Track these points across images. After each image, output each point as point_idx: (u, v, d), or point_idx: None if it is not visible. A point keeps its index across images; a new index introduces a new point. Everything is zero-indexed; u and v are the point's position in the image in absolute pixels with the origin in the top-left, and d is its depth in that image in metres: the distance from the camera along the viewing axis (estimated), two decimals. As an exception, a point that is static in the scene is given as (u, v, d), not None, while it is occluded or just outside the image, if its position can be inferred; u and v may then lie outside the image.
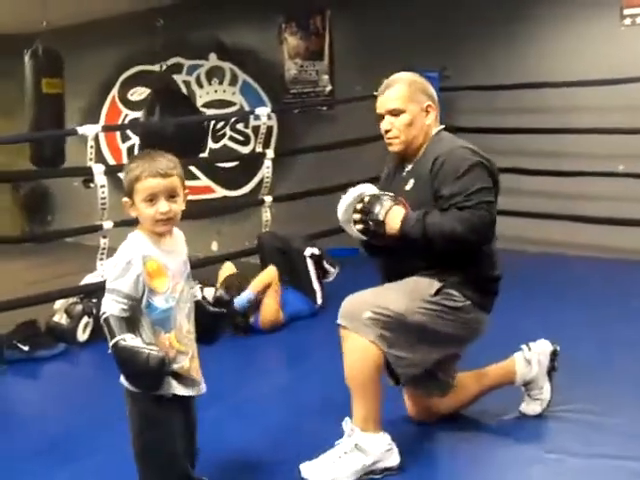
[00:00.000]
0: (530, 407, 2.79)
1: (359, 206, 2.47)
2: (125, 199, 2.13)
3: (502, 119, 5.54)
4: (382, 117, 2.61)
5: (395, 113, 2.57)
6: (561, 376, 2.80)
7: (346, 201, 2.54)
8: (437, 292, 2.45)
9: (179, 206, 2.12)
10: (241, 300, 4.03)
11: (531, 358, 2.77)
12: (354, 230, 2.53)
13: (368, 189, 2.55)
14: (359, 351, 2.36)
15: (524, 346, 2.81)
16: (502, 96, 5.57)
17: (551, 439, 2.69)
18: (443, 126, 2.66)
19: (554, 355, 2.79)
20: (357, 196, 2.52)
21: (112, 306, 2.04)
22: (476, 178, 2.43)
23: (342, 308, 2.42)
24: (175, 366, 2.10)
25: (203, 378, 2.22)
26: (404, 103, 2.57)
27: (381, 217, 2.43)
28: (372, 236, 2.48)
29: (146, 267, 2.06)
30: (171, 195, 2.09)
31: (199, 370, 2.20)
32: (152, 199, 2.07)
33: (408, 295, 2.43)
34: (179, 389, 2.11)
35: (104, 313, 2.05)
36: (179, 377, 2.11)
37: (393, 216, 2.43)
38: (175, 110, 5.55)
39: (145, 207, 2.08)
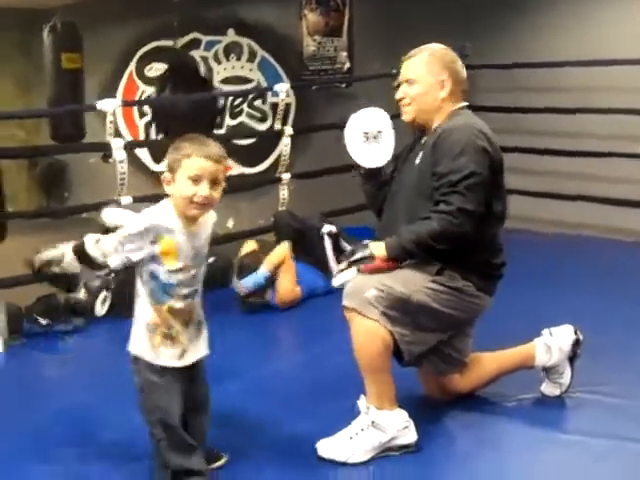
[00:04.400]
0: (549, 389, 2.79)
1: (344, 263, 2.48)
2: (166, 174, 2.14)
3: (522, 98, 5.48)
4: (399, 85, 2.63)
5: (410, 82, 2.58)
6: (582, 357, 2.78)
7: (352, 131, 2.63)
8: (439, 272, 2.46)
9: (217, 195, 2.14)
10: (256, 279, 4.04)
11: (552, 345, 2.74)
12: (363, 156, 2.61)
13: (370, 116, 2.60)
14: (366, 332, 2.38)
15: (546, 331, 2.78)
16: (522, 75, 5.51)
17: (570, 421, 2.70)
18: (466, 104, 2.64)
19: (577, 343, 2.75)
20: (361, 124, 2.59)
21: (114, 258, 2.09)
22: (470, 161, 2.40)
23: (346, 289, 2.43)
24: (166, 339, 2.16)
25: (204, 350, 2.27)
26: (419, 74, 2.57)
27: (368, 253, 2.44)
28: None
29: (160, 244, 2.09)
30: (214, 182, 2.12)
31: (192, 343, 2.23)
32: (196, 179, 2.09)
33: (411, 275, 2.44)
34: (166, 360, 2.16)
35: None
36: (167, 349, 2.16)
37: (377, 248, 2.44)
38: (187, 87, 5.52)
39: (186, 185, 2.09)
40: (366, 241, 2.51)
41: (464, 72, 2.65)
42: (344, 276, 2.44)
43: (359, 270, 2.42)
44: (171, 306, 2.16)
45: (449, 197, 2.39)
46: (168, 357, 2.18)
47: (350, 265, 2.43)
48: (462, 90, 2.63)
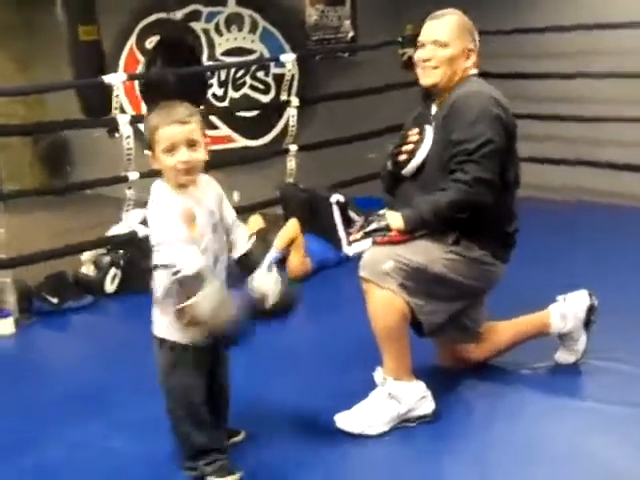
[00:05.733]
0: (564, 356, 2.78)
1: (359, 231, 2.44)
2: (147, 151, 2.11)
3: (527, 64, 5.40)
4: (423, 45, 2.53)
5: (440, 44, 2.49)
6: (596, 323, 2.76)
7: None
8: (455, 242, 2.44)
9: (200, 155, 2.09)
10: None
11: (567, 312, 2.72)
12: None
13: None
14: (383, 303, 2.36)
15: (560, 297, 2.77)
16: (527, 40, 5.42)
17: (585, 388, 2.70)
18: (476, 71, 2.60)
19: (591, 309, 2.74)
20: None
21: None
22: (486, 129, 2.37)
23: (363, 260, 2.41)
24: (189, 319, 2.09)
25: None
26: (451, 37, 2.50)
27: (384, 224, 2.40)
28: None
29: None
30: (191, 144, 2.06)
31: None
32: (172, 149, 2.05)
33: (428, 246, 2.42)
34: (195, 339, 2.12)
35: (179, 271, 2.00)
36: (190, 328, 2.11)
37: (394, 219, 2.41)
38: (173, 60, 5.44)
39: (166, 157, 2.06)
40: (382, 211, 2.48)
41: None
42: (359, 246, 2.41)
43: (374, 242, 2.39)
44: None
45: (465, 166, 2.37)
46: (197, 336, 2.14)
47: (366, 235, 2.41)
48: (478, 60, 2.59)
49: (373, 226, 2.41)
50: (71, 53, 5.30)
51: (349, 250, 2.45)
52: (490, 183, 2.37)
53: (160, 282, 2.13)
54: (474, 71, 2.58)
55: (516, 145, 2.54)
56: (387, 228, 2.39)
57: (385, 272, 2.35)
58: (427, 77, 2.53)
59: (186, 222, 2.05)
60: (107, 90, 4.04)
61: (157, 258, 2.05)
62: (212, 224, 2.15)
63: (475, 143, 2.36)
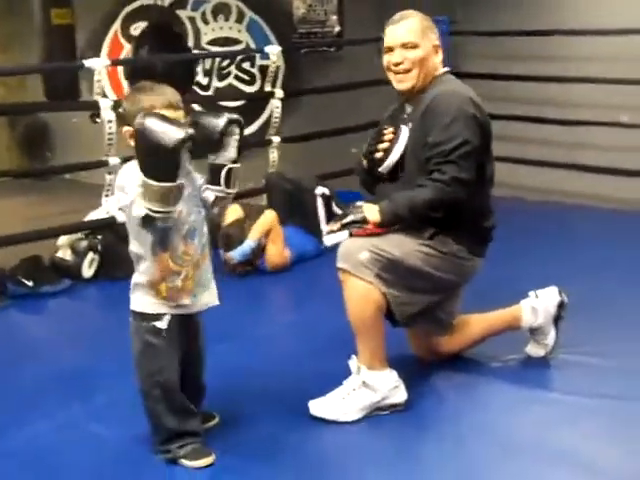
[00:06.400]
0: (534, 350, 2.83)
1: (336, 223, 2.45)
2: (127, 128, 2.11)
3: (510, 66, 5.45)
4: (391, 50, 2.52)
5: (410, 46, 2.48)
6: (565, 319, 2.81)
7: None
8: (431, 237, 2.48)
9: None
10: (243, 250, 4.02)
11: (538, 307, 2.77)
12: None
13: None
14: (359, 294, 2.39)
15: (532, 293, 2.81)
16: (511, 42, 5.47)
17: (554, 380, 2.75)
18: (448, 69, 2.62)
19: (562, 305, 2.79)
20: None
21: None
22: (462, 129, 2.40)
23: (339, 251, 2.44)
24: (169, 284, 2.14)
25: (214, 299, 2.26)
26: (419, 37, 2.49)
27: (360, 217, 2.41)
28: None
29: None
30: None
31: (201, 290, 2.22)
32: None
33: (404, 239, 2.46)
34: (172, 309, 2.16)
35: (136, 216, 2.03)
36: (171, 298, 2.16)
37: (370, 212, 2.43)
38: (161, 46, 5.43)
39: None
40: (359, 202, 2.51)
41: None
42: (335, 237, 2.44)
43: (351, 234, 2.42)
44: (173, 253, 2.14)
45: (443, 167, 2.39)
46: (174, 307, 2.17)
47: (343, 227, 2.43)
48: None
49: (350, 218, 2.43)
50: (43, 36, 5.26)
51: (326, 240, 2.47)
52: (467, 183, 2.40)
53: (139, 262, 2.15)
54: (446, 68, 2.60)
55: (491, 143, 2.57)
56: (364, 220, 2.41)
57: (361, 262, 2.38)
58: (402, 82, 2.53)
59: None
60: (74, 75, 4.00)
61: (134, 210, 2.04)
62: (186, 194, 2.11)
63: (452, 144, 2.38)
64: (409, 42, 2.49)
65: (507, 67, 5.45)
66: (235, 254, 4.03)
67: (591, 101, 5.19)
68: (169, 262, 2.14)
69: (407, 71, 2.50)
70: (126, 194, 2.08)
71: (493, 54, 5.60)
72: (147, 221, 2.02)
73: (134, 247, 2.17)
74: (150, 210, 1.99)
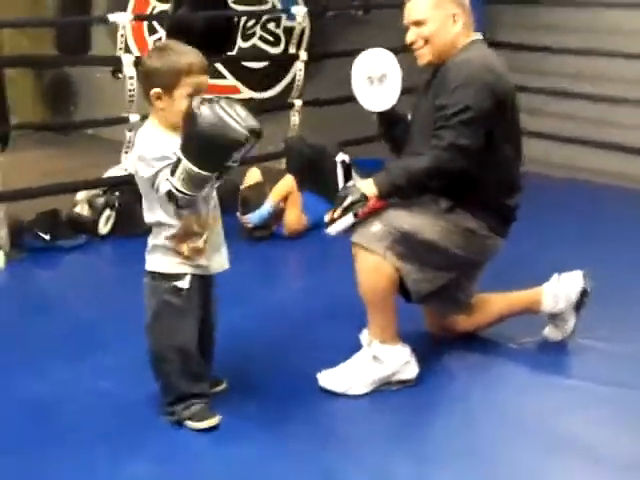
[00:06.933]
0: (552, 333, 2.77)
1: (337, 211, 2.36)
2: (157, 90, 2.05)
3: (542, 37, 5.30)
4: (407, 28, 2.49)
5: (419, 23, 2.44)
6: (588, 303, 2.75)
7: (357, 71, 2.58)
8: (450, 210, 2.41)
9: None
10: (260, 214, 3.99)
11: (559, 293, 2.69)
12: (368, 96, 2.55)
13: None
14: (371, 267, 2.35)
15: (555, 277, 2.73)
16: (547, 13, 5.33)
17: (572, 366, 2.71)
18: (479, 36, 2.54)
19: (584, 292, 2.71)
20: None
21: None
22: (467, 95, 2.33)
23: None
24: (191, 245, 2.12)
25: (226, 263, 2.25)
26: (428, 12, 2.44)
27: (359, 195, 2.33)
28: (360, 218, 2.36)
29: None
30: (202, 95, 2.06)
31: (215, 252, 2.21)
32: (194, 93, 2.03)
33: (419, 211, 2.40)
34: (192, 269, 2.14)
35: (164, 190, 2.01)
36: (193, 260, 2.14)
37: (366, 187, 2.35)
38: (204, 4, 5.34)
39: (184, 101, 2.03)
40: (351, 182, 2.45)
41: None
42: (340, 224, 2.35)
43: (356, 215, 2.34)
44: (197, 215, 2.12)
45: (441, 132, 2.34)
46: (193, 267, 2.15)
47: (344, 211, 2.35)
48: (471, 22, 2.52)
49: (349, 200, 2.34)
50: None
51: (330, 230, 2.37)
52: (465, 149, 2.32)
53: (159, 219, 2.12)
54: (475, 36, 2.52)
55: (517, 117, 2.49)
56: (364, 197, 2.34)
57: (373, 235, 2.33)
58: (419, 59, 2.50)
59: None
60: (86, 30, 3.92)
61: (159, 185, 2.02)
62: None
63: (453, 109, 2.32)
64: (418, 19, 2.45)
65: (539, 39, 5.31)
66: (252, 217, 3.99)
67: (624, 77, 5.05)
68: (193, 225, 2.12)
69: (421, 48, 2.47)
70: (148, 166, 2.03)
71: (527, 24, 5.46)
72: (171, 197, 2.00)
73: (154, 214, 2.13)
74: (177, 190, 1.96)
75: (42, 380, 2.50)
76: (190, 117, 1.93)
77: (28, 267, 3.67)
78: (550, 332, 2.77)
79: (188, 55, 2.08)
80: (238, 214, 4.03)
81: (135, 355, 2.42)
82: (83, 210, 4.08)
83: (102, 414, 2.31)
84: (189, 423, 2.20)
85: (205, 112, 1.91)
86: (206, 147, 1.93)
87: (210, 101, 1.94)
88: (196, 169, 1.94)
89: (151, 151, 2.04)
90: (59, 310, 3.13)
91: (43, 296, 3.40)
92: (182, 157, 1.95)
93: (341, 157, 4.34)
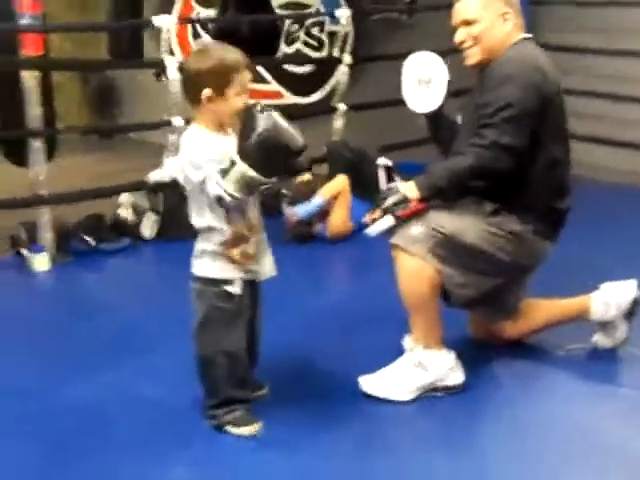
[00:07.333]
0: (602, 341, 2.69)
1: (377, 212, 2.33)
2: (208, 91, 2.04)
3: (589, 39, 5.20)
4: (456, 29, 2.45)
5: (469, 23, 2.40)
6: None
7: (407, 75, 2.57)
8: (495, 213, 2.36)
9: None
10: (310, 206, 3.97)
11: (609, 301, 2.61)
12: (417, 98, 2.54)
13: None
14: (412, 271, 2.31)
15: (607, 284, 2.65)
16: (594, 14, 5.22)
17: (622, 375, 2.64)
18: (529, 35, 2.49)
19: (636, 302, 2.63)
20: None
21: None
22: (511, 93, 2.28)
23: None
24: (242, 250, 2.11)
25: (273, 270, 2.24)
26: (478, 11, 2.40)
27: (400, 197, 2.28)
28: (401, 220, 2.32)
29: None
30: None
31: (263, 258, 2.20)
32: (244, 92, 2.05)
33: (462, 214, 2.35)
34: (243, 275, 2.13)
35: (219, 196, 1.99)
36: (242, 263, 2.12)
37: (408, 189, 2.30)
38: (250, 9, 5.37)
39: (236, 100, 2.05)
40: (393, 184, 2.41)
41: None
42: (380, 225, 2.31)
43: (396, 217, 2.30)
44: (247, 220, 2.12)
45: (484, 130, 2.29)
46: (244, 272, 2.14)
47: (385, 212, 2.31)
48: (522, 22, 2.48)
49: (390, 201, 2.30)
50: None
51: (370, 231, 2.34)
52: (509, 148, 2.27)
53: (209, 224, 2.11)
54: (523, 35, 2.46)
55: (562, 117, 2.43)
56: (405, 199, 2.29)
57: (414, 237, 2.29)
58: (469, 58, 2.46)
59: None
60: (139, 34, 3.96)
61: (210, 187, 1.99)
62: None
63: (495, 106, 2.28)
64: (467, 19, 2.41)
65: (586, 40, 5.20)
66: (300, 210, 3.97)
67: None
68: (243, 229, 2.11)
69: (470, 47, 2.43)
70: (198, 170, 2.02)
71: (573, 26, 5.35)
72: (220, 200, 1.99)
73: (204, 219, 2.11)
74: (228, 194, 1.95)
75: (87, 382, 2.52)
76: (252, 121, 1.92)
77: (73, 270, 3.72)
78: (600, 340, 2.69)
79: (232, 53, 2.08)
80: (284, 207, 4.01)
81: (180, 358, 2.42)
82: (127, 214, 4.12)
83: (146, 417, 2.31)
84: (230, 428, 2.19)
85: (268, 117, 1.92)
86: (267, 151, 1.92)
87: (270, 110, 1.95)
88: (252, 173, 1.93)
89: (200, 155, 2.03)
90: (104, 313, 3.16)
91: (88, 299, 3.44)
92: (238, 161, 1.93)
93: (382, 160, 4.34)
